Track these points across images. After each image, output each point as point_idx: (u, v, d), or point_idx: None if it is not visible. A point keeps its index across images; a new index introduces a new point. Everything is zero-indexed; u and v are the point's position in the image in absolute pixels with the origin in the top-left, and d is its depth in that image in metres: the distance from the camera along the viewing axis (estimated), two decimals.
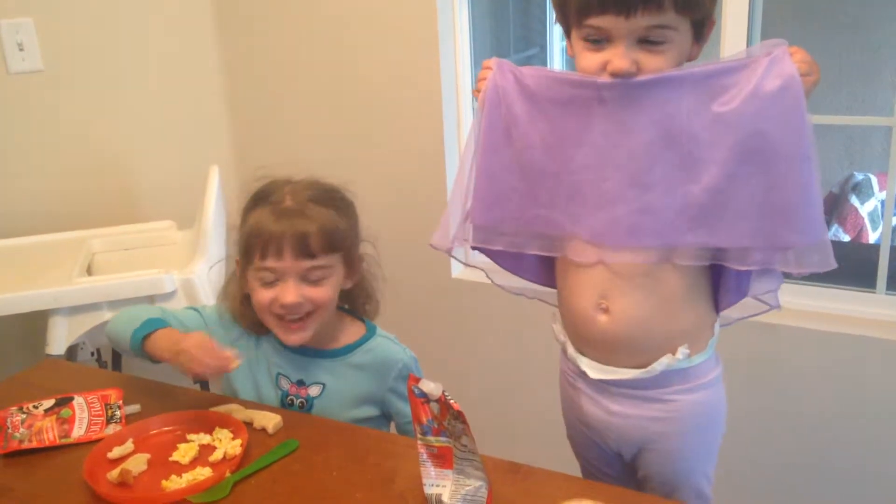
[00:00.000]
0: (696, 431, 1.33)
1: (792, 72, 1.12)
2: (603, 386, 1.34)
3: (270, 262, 1.33)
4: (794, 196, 1.15)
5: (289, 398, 1.44)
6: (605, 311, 1.27)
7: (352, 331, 1.46)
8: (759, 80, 1.13)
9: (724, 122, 1.15)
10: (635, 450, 1.37)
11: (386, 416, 1.47)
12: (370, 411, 1.44)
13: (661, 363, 1.26)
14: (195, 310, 1.50)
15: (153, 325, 1.38)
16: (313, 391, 1.43)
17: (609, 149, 1.21)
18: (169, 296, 1.93)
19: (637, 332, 1.27)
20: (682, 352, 1.26)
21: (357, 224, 1.43)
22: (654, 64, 1.16)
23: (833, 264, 1.16)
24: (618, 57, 1.15)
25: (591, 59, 1.19)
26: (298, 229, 1.31)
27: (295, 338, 1.38)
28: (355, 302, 1.49)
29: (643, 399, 1.31)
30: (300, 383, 1.43)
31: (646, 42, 1.15)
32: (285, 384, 1.44)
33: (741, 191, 1.16)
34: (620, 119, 1.19)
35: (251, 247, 1.34)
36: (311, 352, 1.43)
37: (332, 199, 1.38)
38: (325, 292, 1.36)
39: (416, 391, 1.07)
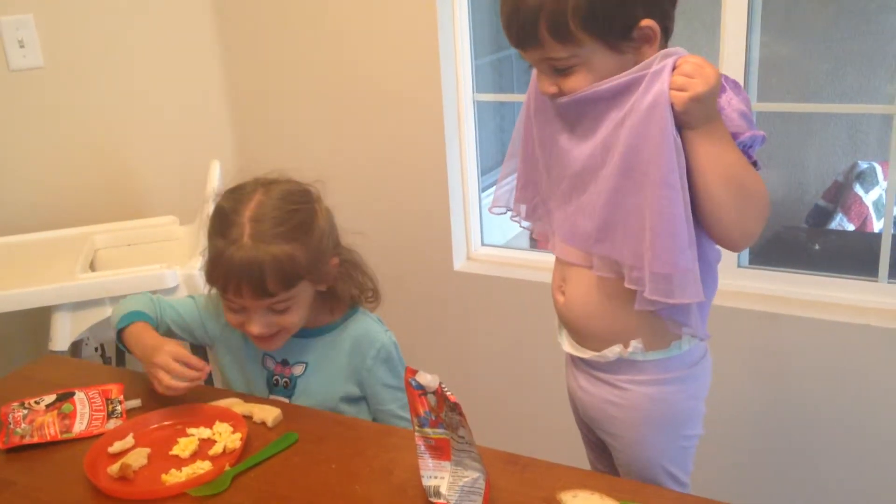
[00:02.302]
0: (651, 424, 1.34)
1: (662, 89, 1.10)
2: (576, 360, 1.41)
3: (231, 297, 1.33)
4: (654, 221, 1.15)
5: (274, 378, 1.46)
6: (563, 293, 1.36)
7: (335, 309, 1.46)
8: (640, 95, 1.13)
9: (616, 136, 1.17)
10: (599, 429, 1.42)
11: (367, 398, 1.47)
12: (354, 389, 1.45)
13: (613, 351, 1.31)
14: (191, 297, 1.54)
15: (130, 319, 1.42)
16: (297, 370, 1.45)
17: (564, 154, 1.28)
18: (171, 291, 1.93)
19: (583, 320, 1.33)
20: (633, 345, 1.29)
21: (323, 238, 1.37)
22: (569, 85, 1.20)
23: (699, 296, 1.17)
24: (540, 81, 1.24)
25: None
26: (255, 273, 1.28)
27: (267, 348, 1.41)
28: (336, 295, 1.45)
29: (601, 381, 1.36)
30: (284, 363, 1.46)
31: (556, 68, 1.20)
32: (270, 364, 1.47)
33: (627, 207, 1.19)
34: (571, 130, 1.26)
35: (213, 276, 1.34)
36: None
37: (294, 227, 1.32)
38: (292, 317, 1.36)
39: (413, 383, 1.07)
